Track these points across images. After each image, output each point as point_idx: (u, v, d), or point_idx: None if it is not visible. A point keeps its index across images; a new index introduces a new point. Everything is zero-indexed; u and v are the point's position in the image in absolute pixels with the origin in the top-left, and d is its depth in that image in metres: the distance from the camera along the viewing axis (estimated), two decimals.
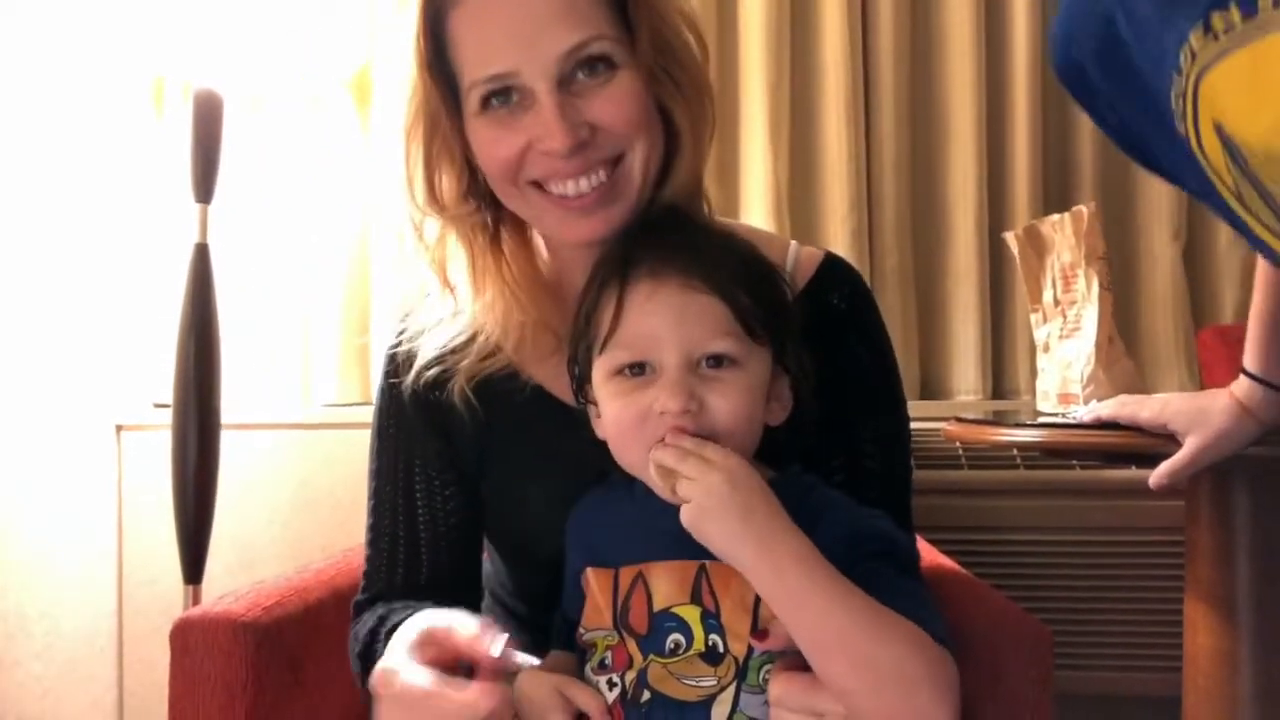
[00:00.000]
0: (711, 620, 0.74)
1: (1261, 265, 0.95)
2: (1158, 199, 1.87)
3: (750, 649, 0.73)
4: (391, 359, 0.98)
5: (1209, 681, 1.19)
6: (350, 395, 1.89)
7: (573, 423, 0.88)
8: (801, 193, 1.88)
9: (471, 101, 0.86)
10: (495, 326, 0.92)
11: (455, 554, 0.96)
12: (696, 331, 0.76)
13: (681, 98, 0.90)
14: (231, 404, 1.69)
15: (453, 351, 0.94)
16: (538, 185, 0.87)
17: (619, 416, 0.78)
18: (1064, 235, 1.36)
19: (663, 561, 0.77)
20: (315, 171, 1.89)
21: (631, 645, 0.76)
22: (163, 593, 1.82)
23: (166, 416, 1.63)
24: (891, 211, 1.87)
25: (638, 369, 0.77)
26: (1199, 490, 1.21)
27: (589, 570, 0.81)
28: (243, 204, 1.87)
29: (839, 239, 1.84)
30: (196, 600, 1.59)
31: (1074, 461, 1.66)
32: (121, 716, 1.89)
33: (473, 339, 0.93)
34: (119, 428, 1.90)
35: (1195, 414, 1.03)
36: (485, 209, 0.93)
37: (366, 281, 1.89)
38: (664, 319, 0.76)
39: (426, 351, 0.94)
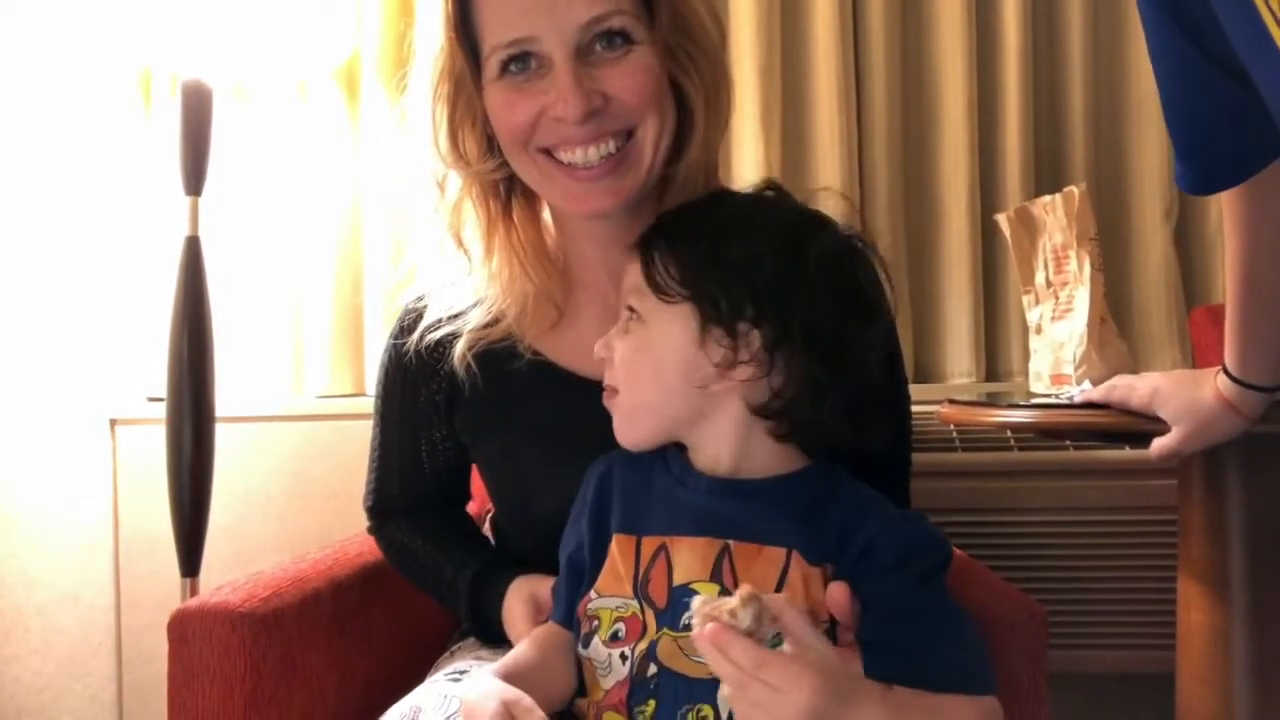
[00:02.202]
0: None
1: (1231, 269, 0.95)
2: (1149, 179, 1.87)
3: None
4: (401, 318, 1.02)
5: (1202, 659, 1.20)
6: (343, 387, 1.89)
7: (573, 390, 0.92)
8: (793, 176, 1.88)
9: (491, 66, 0.88)
10: (500, 293, 0.95)
11: (446, 480, 1.05)
12: (625, 286, 0.83)
13: (697, 78, 0.91)
14: (225, 396, 1.68)
15: (457, 315, 0.97)
16: (547, 153, 0.89)
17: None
18: (1055, 216, 1.36)
19: (687, 537, 0.77)
20: (305, 162, 1.89)
21: (649, 616, 0.76)
22: (160, 585, 1.82)
23: (160, 410, 1.63)
24: (883, 194, 1.87)
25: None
26: (1191, 469, 1.22)
27: (614, 537, 0.80)
28: (233, 195, 1.86)
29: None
30: (194, 592, 1.59)
31: (1067, 442, 1.66)
32: (121, 710, 1.90)
33: (477, 305, 0.96)
34: (113, 422, 1.90)
35: (1183, 405, 1.03)
36: (502, 171, 0.95)
37: (359, 272, 1.89)
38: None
39: (432, 313, 0.98)
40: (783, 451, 0.80)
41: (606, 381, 0.83)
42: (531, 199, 0.97)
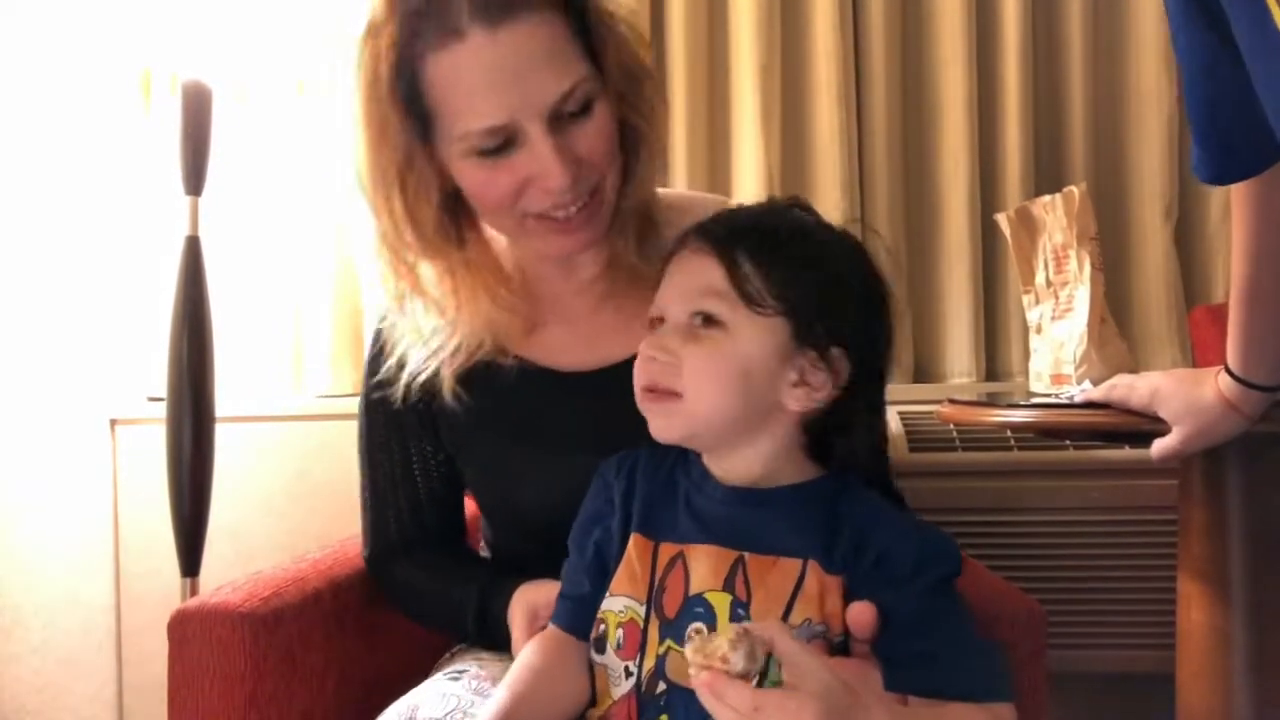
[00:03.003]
0: (740, 611, 0.73)
1: (1236, 268, 0.95)
2: (1149, 179, 1.87)
3: None
4: (374, 366, 1.02)
5: (1202, 658, 1.20)
6: (344, 386, 1.89)
7: (562, 389, 0.93)
8: (793, 176, 1.88)
9: (458, 146, 0.88)
10: (470, 326, 0.96)
11: (442, 504, 1.05)
12: (690, 288, 0.79)
13: (642, 113, 0.95)
14: (225, 396, 1.68)
15: (435, 354, 0.97)
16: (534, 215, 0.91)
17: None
18: (1055, 216, 1.36)
19: (703, 545, 0.77)
20: (305, 162, 1.88)
21: (653, 627, 0.75)
22: (160, 585, 1.82)
23: (161, 410, 1.63)
24: (883, 194, 1.87)
25: (659, 323, 0.81)
26: (1192, 468, 1.22)
27: (634, 535, 0.80)
28: (233, 195, 1.86)
29: (831, 222, 1.83)
30: (194, 592, 1.59)
31: (1067, 442, 1.66)
32: (121, 709, 1.90)
33: (451, 338, 0.96)
34: (113, 422, 1.90)
35: (1183, 405, 1.03)
36: (459, 231, 0.96)
37: (359, 271, 1.89)
38: (672, 278, 0.80)
39: (413, 362, 0.97)
40: (805, 463, 0.81)
41: (650, 383, 0.78)
42: (476, 223, 0.98)
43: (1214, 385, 1.01)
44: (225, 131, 1.72)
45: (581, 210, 0.91)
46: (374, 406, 1.04)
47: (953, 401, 1.36)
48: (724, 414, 0.77)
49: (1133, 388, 1.07)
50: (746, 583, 0.74)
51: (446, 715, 0.83)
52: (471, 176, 0.90)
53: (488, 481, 1.01)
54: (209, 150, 1.61)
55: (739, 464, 0.80)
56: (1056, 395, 1.32)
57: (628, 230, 0.97)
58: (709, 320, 0.77)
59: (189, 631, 0.97)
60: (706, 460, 0.81)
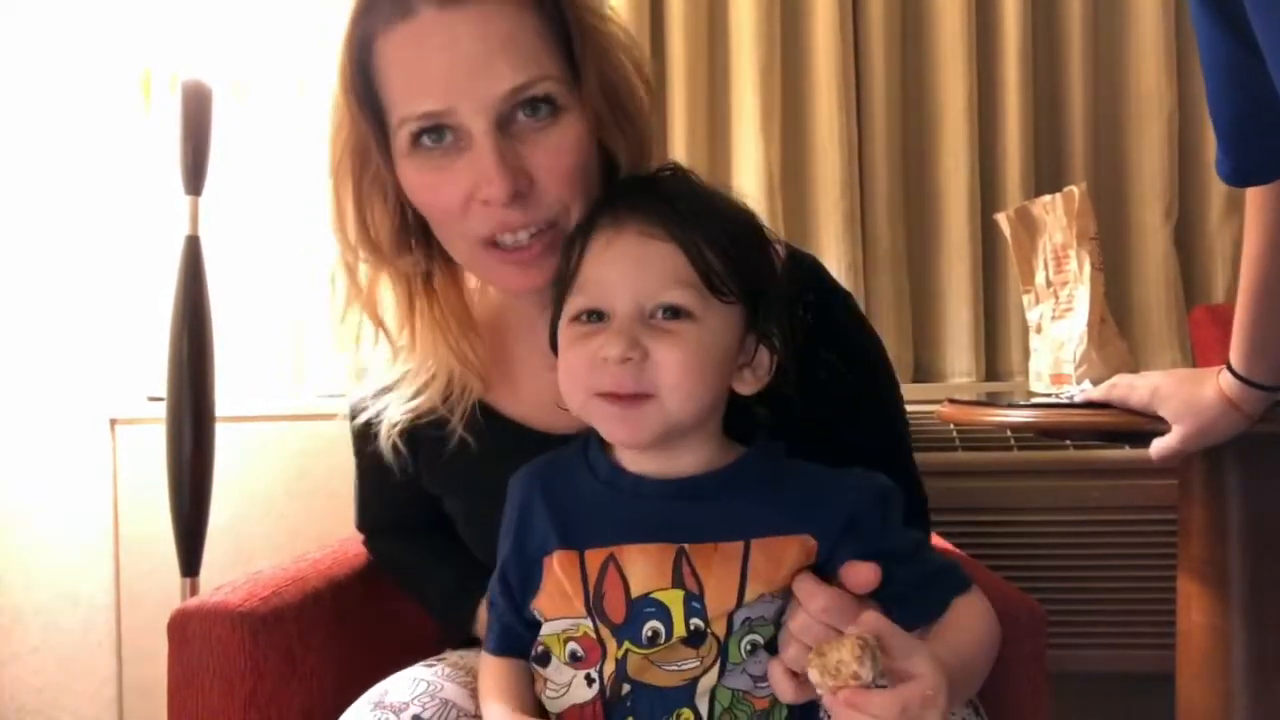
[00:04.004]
0: (695, 603, 0.72)
1: (1246, 267, 0.95)
2: (1149, 179, 1.87)
3: (730, 625, 0.72)
4: (353, 418, 1.00)
5: (1202, 658, 1.20)
6: (344, 385, 1.88)
7: (526, 446, 0.87)
8: (793, 177, 1.88)
9: (400, 139, 0.81)
10: (432, 374, 0.91)
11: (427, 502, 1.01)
12: (651, 280, 0.73)
13: (625, 140, 0.86)
14: (225, 396, 1.68)
15: (412, 398, 0.92)
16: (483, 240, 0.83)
17: (568, 360, 0.75)
18: (1055, 216, 1.36)
19: (636, 545, 0.73)
20: (305, 160, 1.88)
21: (605, 633, 0.73)
22: (160, 585, 1.82)
23: (160, 409, 1.63)
24: (883, 195, 1.87)
25: (595, 315, 0.74)
26: (1191, 468, 1.22)
27: (554, 556, 0.75)
28: (233, 195, 1.86)
29: (831, 223, 1.84)
30: (194, 592, 1.59)
31: (1067, 441, 1.66)
32: (121, 709, 1.90)
33: (422, 383, 0.91)
34: (113, 421, 1.90)
35: (1184, 404, 1.03)
36: (421, 253, 0.88)
37: None
38: (619, 266, 0.74)
39: (391, 415, 0.93)
40: (726, 442, 0.79)
41: (617, 387, 0.73)
42: (453, 262, 0.90)
43: (1215, 384, 1.01)
44: (225, 131, 1.72)
45: (536, 239, 0.81)
46: (359, 446, 1.02)
47: (952, 401, 1.36)
48: (698, 408, 0.74)
49: (1133, 387, 1.07)
50: (695, 574, 0.72)
51: (414, 698, 0.83)
52: (414, 179, 0.82)
53: (469, 537, 0.99)
54: (209, 150, 1.61)
55: (685, 456, 0.76)
56: (1056, 395, 1.32)
57: None
58: (676, 313, 0.73)
59: (189, 631, 0.97)
60: (644, 457, 0.77)
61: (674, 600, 0.72)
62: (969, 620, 0.77)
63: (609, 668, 0.73)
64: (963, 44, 1.86)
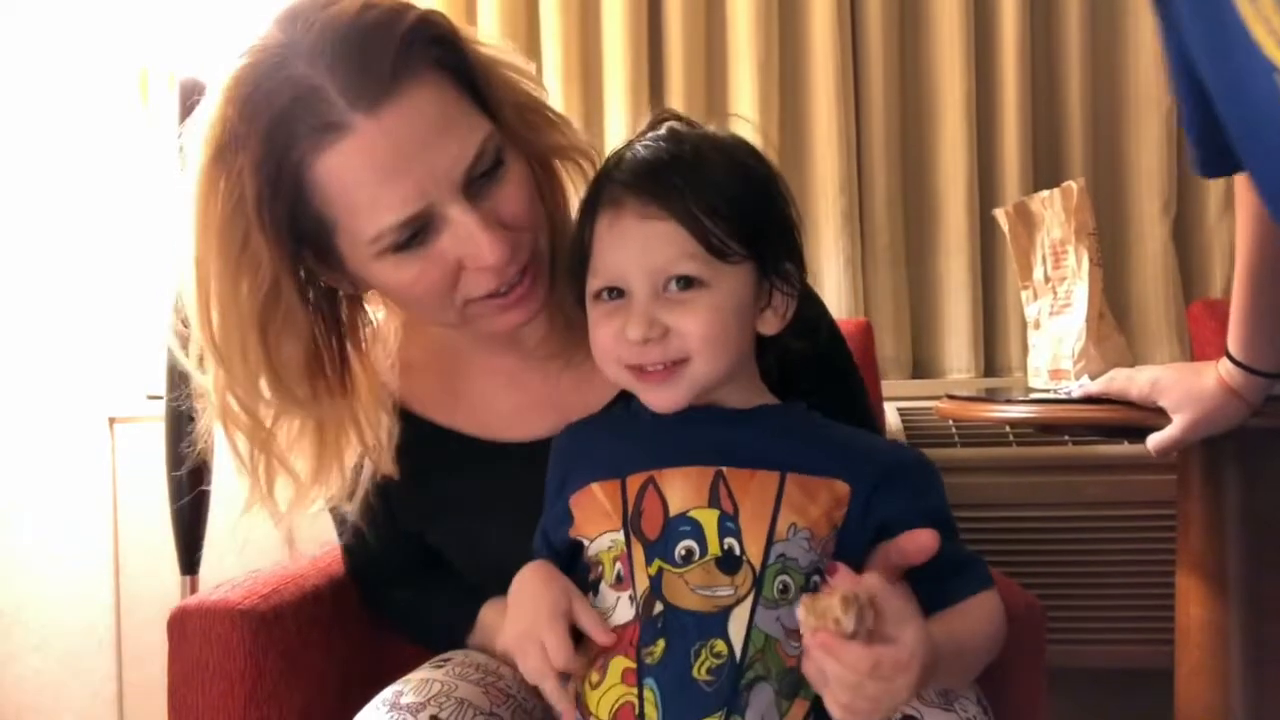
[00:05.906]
0: (729, 523, 0.74)
1: (1241, 253, 0.95)
2: (1147, 174, 1.87)
3: (767, 553, 0.73)
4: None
5: (1201, 653, 1.20)
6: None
7: (491, 454, 0.90)
8: (791, 173, 1.88)
9: (369, 250, 0.80)
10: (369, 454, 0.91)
11: (420, 551, 1.02)
12: (657, 258, 0.75)
13: (546, 141, 0.89)
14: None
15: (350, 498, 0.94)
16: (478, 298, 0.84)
17: (597, 338, 0.79)
18: (1054, 211, 1.36)
19: (675, 468, 0.76)
20: None
21: (638, 552, 0.75)
22: (159, 583, 1.82)
23: (160, 408, 1.63)
24: (882, 191, 1.87)
25: (615, 292, 0.77)
26: (1190, 463, 1.22)
27: (593, 485, 0.78)
28: None
29: (829, 219, 1.84)
30: (193, 590, 1.59)
31: (1066, 436, 1.67)
32: (121, 707, 1.90)
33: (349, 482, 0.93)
34: (112, 420, 1.90)
35: (1184, 394, 1.03)
36: (327, 368, 0.87)
37: None
38: (625, 248, 0.76)
39: (351, 514, 0.95)
40: (760, 386, 0.84)
41: (657, 362, 0.76)
42: (355, 331, 0.90)
43: (1215, 374, 1.01)
44: None
45: (525, 273, 0.84)
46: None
47: (951, 397, 1.36)
48: (728, 364, 0.78)
49: (1132, 379, 1.07)
50: (731, 496, 0.75)
51: (430, 699, 0.83)
52: (394, 276, 0.82)
53: (455, 551, 1.00)
54: None
55: (725, 397, 0.80)
56: (1055, 390, 1.33)
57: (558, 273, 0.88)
58: (689, 282, 0.75)
59: (188, 629, 0.97)
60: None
61: (709, 520, 0.74)
62: (976, 614, 0.78)
63: (641, 583, 0.74)
64: (961, 39, 1.85)
